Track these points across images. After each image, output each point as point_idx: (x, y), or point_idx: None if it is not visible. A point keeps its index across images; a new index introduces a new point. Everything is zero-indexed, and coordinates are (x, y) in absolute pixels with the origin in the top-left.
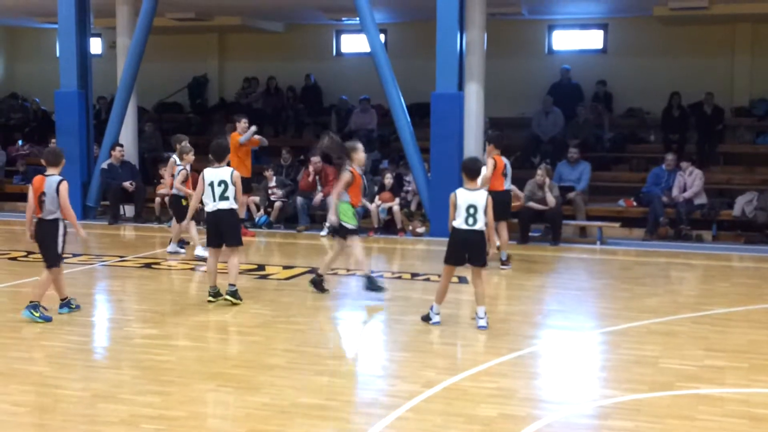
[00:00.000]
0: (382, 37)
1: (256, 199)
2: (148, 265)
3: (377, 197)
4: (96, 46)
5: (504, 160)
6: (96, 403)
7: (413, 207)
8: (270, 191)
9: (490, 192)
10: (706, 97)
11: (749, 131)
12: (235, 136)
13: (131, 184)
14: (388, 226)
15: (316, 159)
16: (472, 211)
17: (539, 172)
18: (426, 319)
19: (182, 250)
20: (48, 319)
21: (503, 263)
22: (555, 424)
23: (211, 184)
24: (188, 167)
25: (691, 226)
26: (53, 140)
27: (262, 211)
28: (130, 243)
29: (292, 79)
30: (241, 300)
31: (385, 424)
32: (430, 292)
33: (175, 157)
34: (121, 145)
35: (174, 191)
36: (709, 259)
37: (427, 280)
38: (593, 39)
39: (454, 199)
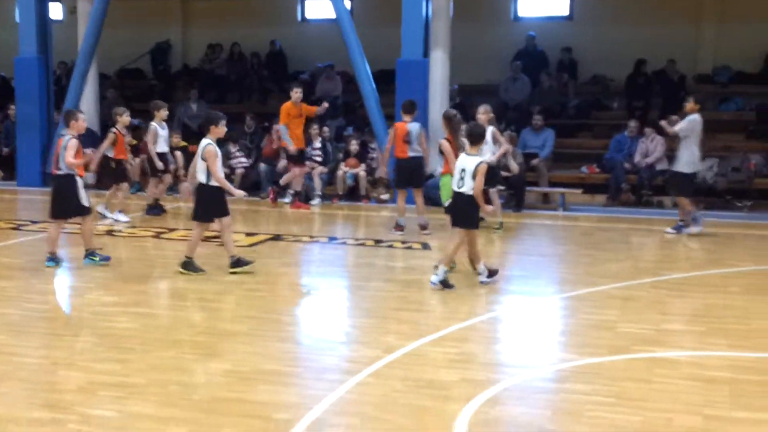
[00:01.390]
0: (347, 3)
1: None
2: (108, 233)
3: (343, 164)
4: (56, 11)
5: (408, 126)
6: (56, 370)
7: (378, 174)
8: (232, 157)
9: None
10: (668, 64)
11: (712, 98)
12: (285, 107)
13: (93, 151)
14: (353, 193)
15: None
16: (462, 174)
17: (503, 138)
18: (447, 285)
19: (111, 216)
20: (107, 259)
21: (398, 227)
22: (514, 388)
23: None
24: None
25: (652, 192)
26: (12, 107)
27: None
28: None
29: (256, 45)
30: (196, 271)
31: (346, 389)
32: (394, 259)
33: (153, 123)
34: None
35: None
36: (670, 225)
37: (391, 246)
38: (559, 5)
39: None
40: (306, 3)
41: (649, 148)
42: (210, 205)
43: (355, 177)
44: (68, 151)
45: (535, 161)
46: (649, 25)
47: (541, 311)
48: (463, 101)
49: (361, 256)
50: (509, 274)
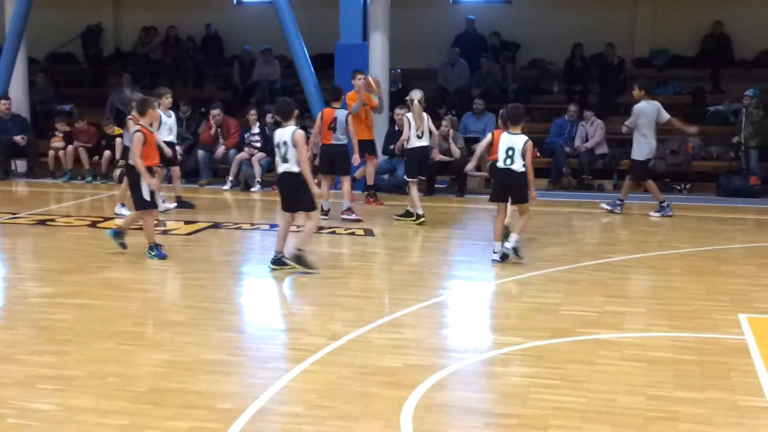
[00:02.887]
0: None
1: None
2: (42, 222)
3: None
4: None
5: (337, 113)
6: None
7: (318, 161)
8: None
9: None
10: (606, 48)
11: (649, 81)
12: (350, 96)
13: (22, 138)
14: None
15: (216, 112)
16: (510, 153)
17: (444, 123)
18: (504, 257)
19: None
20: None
21: (324, 213)
22: (459, 372)
23: (277, 145)
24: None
25: (593, 176)
26: None
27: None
28: (22, 199)
29: (191, 28)
30: (308, 268)
31: (290, 377)
32: (337, 245)
33: (158, 111)
34: (7, 98)
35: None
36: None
37: (333, 233)
38: None
39: (491, 139)
40: None
41: (589, 132)
42: (300, 194)
43: None
44: (135, 146)
45: (476, 146)
46: (588, 8)
47: (485, 295)
48: (405, 86)
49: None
50: (453, 259)
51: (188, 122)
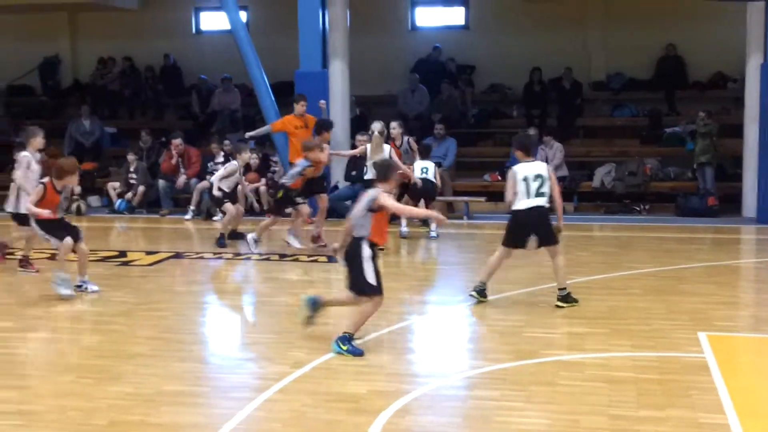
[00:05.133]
0: (243, 14)
1: (116, 184)
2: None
3: (243, 178)
4: None
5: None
6: None
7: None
8: (129, 176)
9: None
10: (564, 72)
11: (606, 104)
12: (288, 120)
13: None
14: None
15: (178, 141)
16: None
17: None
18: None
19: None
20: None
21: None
22: (423, 397)
23: (524, 179)
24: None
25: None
26: None
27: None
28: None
29: (150, 58)
30: (574, 302)
31: (254, 407)
32: (300, 273)
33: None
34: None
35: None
36: (571, 230)
37: (296, 260)
38: (455, 15)
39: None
40: (201, 15)
41: (549, 155)
42: (550, 229)
43: (257, 191)
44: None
45: (438, 170)
46: (544, 34)
47: (448, 319)
48: (364, 112)
49: (266, 271)
50: (416, 284)
51: (149, 152)
